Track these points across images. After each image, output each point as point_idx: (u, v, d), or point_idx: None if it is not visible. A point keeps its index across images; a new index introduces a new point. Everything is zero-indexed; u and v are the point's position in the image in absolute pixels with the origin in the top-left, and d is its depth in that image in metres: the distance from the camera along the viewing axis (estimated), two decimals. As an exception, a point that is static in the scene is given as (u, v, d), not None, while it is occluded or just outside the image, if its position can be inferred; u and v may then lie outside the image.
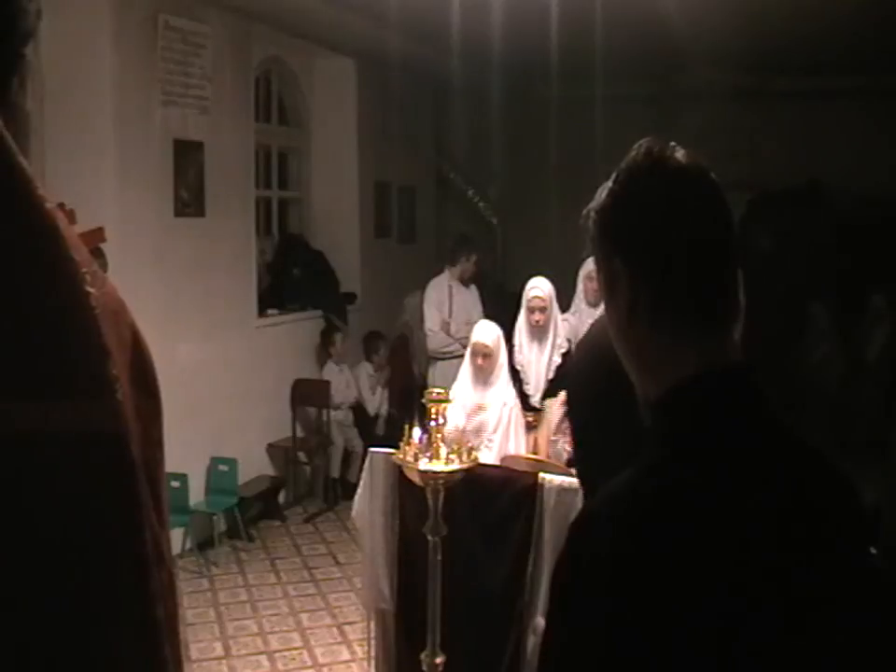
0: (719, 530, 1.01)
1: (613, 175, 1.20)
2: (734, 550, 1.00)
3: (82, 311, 1.24)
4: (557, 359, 4.77)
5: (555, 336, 4.79)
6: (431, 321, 6.66)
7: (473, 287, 6.81)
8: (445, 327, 6.61)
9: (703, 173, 1.17)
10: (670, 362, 1.13)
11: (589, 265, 5.44)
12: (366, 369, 7.37)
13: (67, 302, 1.24)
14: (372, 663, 3.93)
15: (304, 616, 4.97)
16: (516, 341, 4.83)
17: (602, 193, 1.21)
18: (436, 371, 6.45)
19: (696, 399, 1.10)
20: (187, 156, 5.57)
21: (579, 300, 5.35)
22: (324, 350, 7.14)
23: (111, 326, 1.29)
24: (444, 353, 6.53)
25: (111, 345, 1.25)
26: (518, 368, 4.76)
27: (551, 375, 4.76)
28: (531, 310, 4.76)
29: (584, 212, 1.23)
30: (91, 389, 1.24)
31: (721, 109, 7.85)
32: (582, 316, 5.12)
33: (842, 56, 7.40)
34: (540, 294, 4.74)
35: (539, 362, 4.80)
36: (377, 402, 7.37)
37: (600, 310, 4.70)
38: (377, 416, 7.37)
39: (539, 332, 4.76)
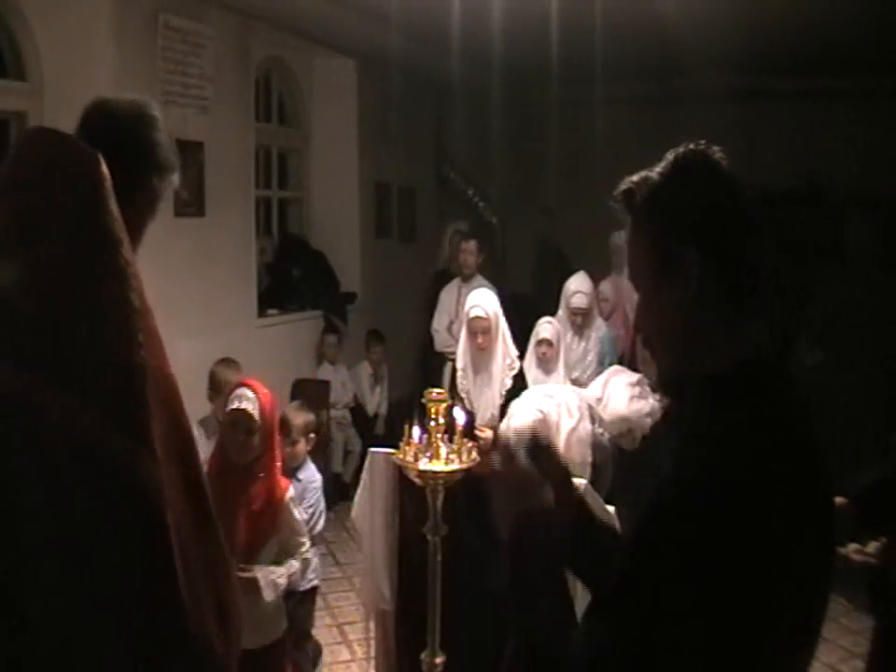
0: (794, 485, 1.14)
1: (666, 163, 1.27)
2: (802, 503, 1.15)
3: (131, 353, 1.34)
4: (508, 382, 4.16)
5: (504, 356, 4.17)
6: (437, 320, 6.71)
7: (489, 287, 6.74)
8: (450, 327, 6.62)
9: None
10: (735, 345, 1.22)
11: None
12: (365, 368, 7.38)
13: (118, 338, 1.34)
14: (372, 663, 3.93)
15: (304, 616, 4.97)
16: (460, 363, 4.26)
17: (651, 177, 1.27)
18: (446, 370, 6.44)
19: (763, 377, 1.21)
20: (187, 156, 5.56)
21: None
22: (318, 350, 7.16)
23: (162, 398, 1.40)
24: (450, 354, 6.52)
25: (152, 402, 1.34)
26: (462, 395, 4.16)
27: (500, 401, 4.12)
28: (472, 332, 4.11)
29: (622, 191, 1.30)
30: (117, 421, 1.33)
31: (721, 109, 7.85)
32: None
33: (842, 56, 7.40)
34: (481, 314, 4.07)
35: (485, 391, 4.18)
36: (376, 402, 7.37)
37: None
38: (376, 416, 7.37)
39: (484, 357, 4.14)
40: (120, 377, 1.31)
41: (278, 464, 3.18)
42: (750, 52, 7.31)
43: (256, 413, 3.04)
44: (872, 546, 2.01)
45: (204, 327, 5.73)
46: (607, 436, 4.34)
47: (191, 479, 1.44)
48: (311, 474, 3.90)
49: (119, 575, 1.25)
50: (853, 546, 2.00)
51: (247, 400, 3.09)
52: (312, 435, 3.96)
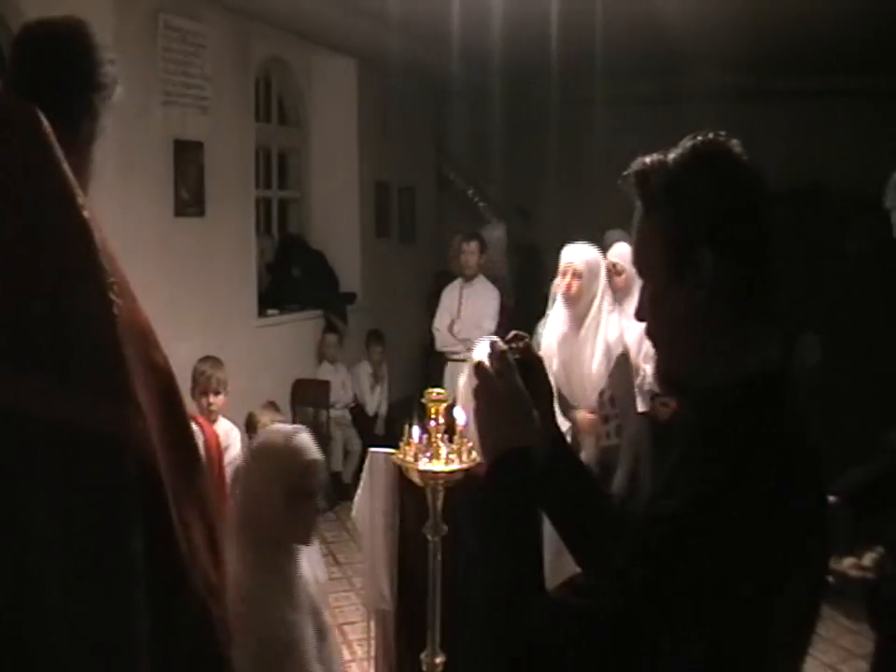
0: (794, 499, 1.12)
1: (684, 151, 1.20)
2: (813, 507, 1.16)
3: (102, 313, 1.29)
4: None
5: None
6: (439, 320, 6.68)
7: (490, 288, 6.75)
8: (451, 327, 6.62)
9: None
10: (747, 350, 1.17)
11: None
12: (365, 368, 7.38)
13: (88, 302, 1.29)
14: (372, 663, 3.93)
15: (304, 616, 4.97)
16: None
17: (667, 163, 1.20)
18: (446, 371, 6.42)
19: (769, 388, 1.16)
20: (187, 156, 5.57)
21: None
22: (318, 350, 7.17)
23: (136, 342, 1.35)
24: (450, 353, 6.51)
25: (129, 355, 1.30)
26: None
27: None
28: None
29: (635, 172, 1.22)
30: (99, 387, 1.28)
31: (721, 109, 7.85)
32: None
33: (842, 56, 7.40)
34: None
35: None
36: (376, 402, 7.37)
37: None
38: (376, 416, 7.37)
39: None
40: (94, 341, 1.28)
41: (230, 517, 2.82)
42: (751, 52, 7.31)
43: (200, 448, 2.69)
44: (868, 558, 1.99)
45: (204, 327, 5.73)
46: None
47: (175, 420, 1.41)
48: None
49: (118, 537, 1.24)
50: (850, 561, 1.97)
51: None
52: None
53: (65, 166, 1.32)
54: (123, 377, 1.27)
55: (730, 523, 1.06)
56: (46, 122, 1.31)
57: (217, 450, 2.78)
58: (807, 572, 1.16)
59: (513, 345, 1.40)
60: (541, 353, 4.09)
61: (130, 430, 1.26)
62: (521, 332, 1.45)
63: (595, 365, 3.91)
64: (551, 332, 4.12)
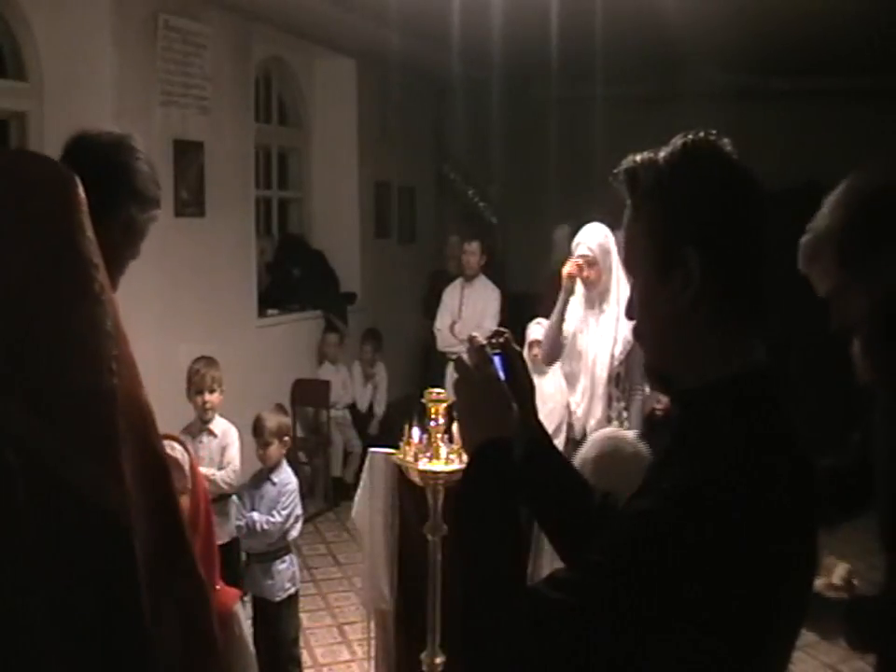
0: (799, 494, 1.13)
1: (674, 149, 1.19)
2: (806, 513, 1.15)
3: (101, 388, 1.30)
4: None
5: None
6: (440, 320, 6.70)
7: (491, 287, 6.74)
8: (452, 327, 6.62)
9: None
10: (732, 351, 1.16)
11: None
12: (357, 367, 7.37)
13: (84, 369, 1.31)
14: (372, 663, 3.93)
15: (304, 616, 4.95)
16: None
17: (657, 162, 1.19)
18: (447, 371, 6.43)
19: (767, 386, 1.16)
20: (187, 156, 5.56)
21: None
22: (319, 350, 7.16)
23: (135, 425, 1.37)
24: (451, 353, 6.51)
25: (122, 429, 1.31)
26: None
27: None
28: None
29: (624, 170, 1.21)
30: (83, 450, 1.29)
31: (721, 109, 7.85)
32: None
33: (842, 56, 7.40)
34: None
35: None
36: (367, 399, 7.34)
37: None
38: (372, 415, 7.35)
39: None
40: (89, 402, 1.29)
41: (214, 558, 2.35)
42: (751, 52, 7.31)
43: (185, 465, 2.30)
44: (837, 576, 1.96)
45: (204, 327, 5.73)
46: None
47: (163, 506, 1.42)
48: (286, 477, 3.91)
49: (80, 604, 1.24)
50: (821, 581, 1.92)
51: (174, 450, 2.28)
52: (286, 438, 3.99)
53: (93, 235, 1.35)
54: (111, 442, 1.28)
55: (713, 521, 1.05)
56: (82, 191, 1.33)
57: (200, 475, 2.55)
58: (796, 574, 1.15)
59: (493, 340, 1.42)
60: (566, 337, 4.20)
61: (107, 495, 1.26)
62: (502, 328, 1.47)
63: (621, 335, 4.08)
64: (572, 315, 4.28)
